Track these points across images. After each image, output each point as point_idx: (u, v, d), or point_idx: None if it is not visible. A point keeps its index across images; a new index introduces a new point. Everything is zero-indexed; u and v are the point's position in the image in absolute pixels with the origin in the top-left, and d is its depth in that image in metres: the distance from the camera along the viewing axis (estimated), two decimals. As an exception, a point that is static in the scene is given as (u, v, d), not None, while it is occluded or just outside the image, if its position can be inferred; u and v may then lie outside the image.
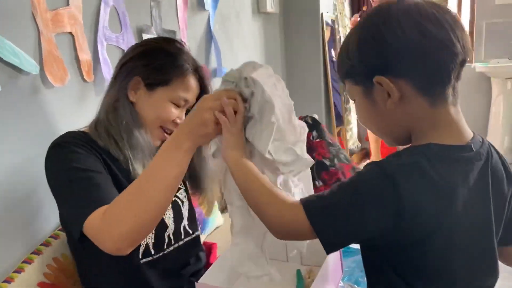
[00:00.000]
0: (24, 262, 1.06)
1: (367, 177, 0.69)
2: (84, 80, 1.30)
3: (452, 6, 4.12)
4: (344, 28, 3.87)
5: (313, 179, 1.18)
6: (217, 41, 2.08)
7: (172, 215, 1.12)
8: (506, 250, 0.81)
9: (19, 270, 1.04)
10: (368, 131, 3.84)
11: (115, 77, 1.05)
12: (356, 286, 1.20)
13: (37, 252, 1.09)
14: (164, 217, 1.09)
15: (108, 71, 1.36)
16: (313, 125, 1.21)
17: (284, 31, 3.08)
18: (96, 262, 1.03)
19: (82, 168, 0.90)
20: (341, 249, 1.16)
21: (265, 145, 0.81)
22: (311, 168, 1.19)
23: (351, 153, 4.05)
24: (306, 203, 0.71)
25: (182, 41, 1.11)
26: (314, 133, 1.20)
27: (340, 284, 1.15)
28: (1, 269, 1.04)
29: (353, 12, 3.96)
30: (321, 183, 1.15)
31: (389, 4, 0.70)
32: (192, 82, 1.05)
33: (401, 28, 0.67)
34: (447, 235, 0.68)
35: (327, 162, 1.13)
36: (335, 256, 1.12)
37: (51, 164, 0.95)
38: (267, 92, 0.80)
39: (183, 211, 1.16)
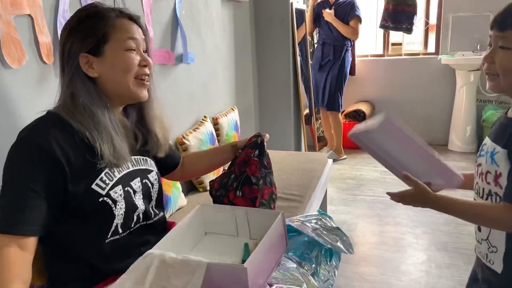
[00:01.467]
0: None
1: None
2: (44, 62, 1.34)
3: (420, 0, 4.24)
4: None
5: (236, 189, 1.33)
6: (183, 27, 2.13)
7: (141, 196, 1.17)
8: None
9: None
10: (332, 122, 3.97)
11: (63, 68, 1.07)
12: (301, 261, 1.28)
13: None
14: (133, 197, 1.13)
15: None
16: (259, 145, 1.34)
17: (255, 19, 3.13)
18: (60, 252, 1.09)
19: (25, 181, 0.96)
20: (286, 226, 1.25)
21: None
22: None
23: (319, 140, 4.17)
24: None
25: (98, 2, 1.13)
26: (256, 152, 1.32)
27: (284, 255, 1.23)
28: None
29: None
30: (240, 194, 1.28)
31: None
32: (126, 22, 1.08)
33: None
34: None
35: (253, 180, 1.28)
36: (278, 231, 1.20)
37: (8, 158, 1.00)
38: None
39: (152, 193, 1.22)
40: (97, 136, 1.04)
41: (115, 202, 1.08)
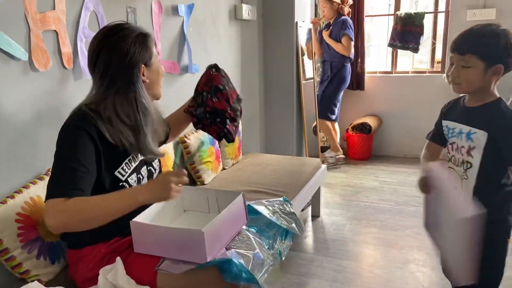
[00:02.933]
0: (7, 197, 1.45)
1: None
2: (65, 67, 1.69)
3: (428, 20, 4.45)
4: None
5: (212, 97, 1.57)
6: (190, 42, 2.46)
7: (146, 181, 1.49)
8: None
9: (3, 202, 1.43)
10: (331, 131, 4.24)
11: (114, 74, 1.32)
12: (254, 239, 1.51)
13: (18, 191, 1.48)
14: (141, 182, 1.46)
15: (85, 61, 1.73)
16: (213, 65, 1.65)
17: (263, 36, 3.45)
18: None
19: (78, 158, 1.23)
20: (246, 205, 1.53)
21: None
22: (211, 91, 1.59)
23: (323, 149, 4.41)
24: None
25: (122, 22, 1.42)
26: (213, 69, 1.63)
27: (244, 227, 1.50)
28: (-9, 200, 1.43)
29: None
30: (216, 99, 1.55)
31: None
32: (154, 42, 1.44)
33: None
34: None
35: (221, 87, 1.55)
36: (238, 206, 1.48)
37: (61, 142, 1.27)
38: None
39: (154, 177, 1.54)
40: (143, 130, 1.35)
41: (130, 186, 1.41)
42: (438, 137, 1.62)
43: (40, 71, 1.58)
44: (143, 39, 1.39)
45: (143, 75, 1.39)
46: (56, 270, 1.52)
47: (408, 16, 4.43)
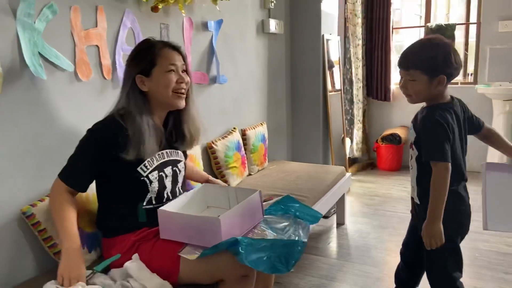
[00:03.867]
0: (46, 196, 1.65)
1: (439, 125, 1.47)
2: (104, 78, 1.89)
3: (460, 33, 4.46)
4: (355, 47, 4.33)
5: None
6: (218, 55, 2.64)
7: (170, 179, 1.65)
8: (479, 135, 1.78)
9: (41, 200, 1.62)
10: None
11: (124, 84, 1.57)
12: (269, 232, 1.61)
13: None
14: (164, 180, 1.62)
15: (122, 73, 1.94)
16: None
17: (290, 49, 3.60)
18: (111, 210, 1.59)
19: (84, 149, 1.50)
20: (262, 201, 1.65)
21: None
22: None
23: (354, 161, 4.46)
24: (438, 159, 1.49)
25: (151, 37, 1.63)
26: None
27: (262, 224, 1.62)
28: (29, 197, 1.63)
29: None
30: None
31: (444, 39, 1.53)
32: (169, 51, 1.56)
33: (455, 58, 1.49)
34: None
35: None
36: (253, 201, 1.60)
37: (82, 139, 1.53)
38: None
39: (178, 178, 1.70)
40: (133, 135, 1.48)
41: (151, 182, 1.57)
42: None
43: (83, 81, 1.79)
44: (147, 50, 1.54)
45: (144, 84, 1.53)
46: (93, 258, 1.69)
47: (439, 27, 4.45)
